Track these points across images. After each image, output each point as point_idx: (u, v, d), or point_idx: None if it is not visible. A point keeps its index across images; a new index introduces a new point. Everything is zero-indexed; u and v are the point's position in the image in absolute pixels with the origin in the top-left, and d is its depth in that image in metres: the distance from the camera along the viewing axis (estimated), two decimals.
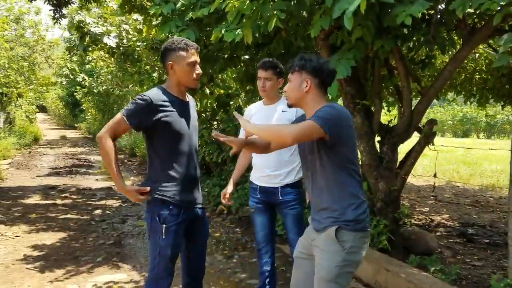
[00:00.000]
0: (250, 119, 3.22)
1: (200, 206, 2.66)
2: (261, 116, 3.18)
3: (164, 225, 2.44)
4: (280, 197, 3.14)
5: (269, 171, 3.15)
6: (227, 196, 3.15)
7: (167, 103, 2.44)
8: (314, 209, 2.34)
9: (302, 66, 2.26)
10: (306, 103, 2.29)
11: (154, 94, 2.44)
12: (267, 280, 3.24)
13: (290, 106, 2.36)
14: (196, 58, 2.49)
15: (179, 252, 2.58)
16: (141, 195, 2.45)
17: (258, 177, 3.24)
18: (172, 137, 2.47)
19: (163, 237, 2.43)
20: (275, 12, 3.13)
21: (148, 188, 2.46)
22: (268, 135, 2.22)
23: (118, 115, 2.41)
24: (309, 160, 2.31)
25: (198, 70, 2.51)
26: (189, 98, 2.67)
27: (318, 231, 2.28)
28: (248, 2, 3.12)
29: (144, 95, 2.41)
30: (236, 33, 3.41)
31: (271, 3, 3.22)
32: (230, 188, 3.18)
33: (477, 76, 6.78)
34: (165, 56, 2.49)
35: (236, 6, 3.17)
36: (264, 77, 3.12)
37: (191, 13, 3.86)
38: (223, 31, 3.49)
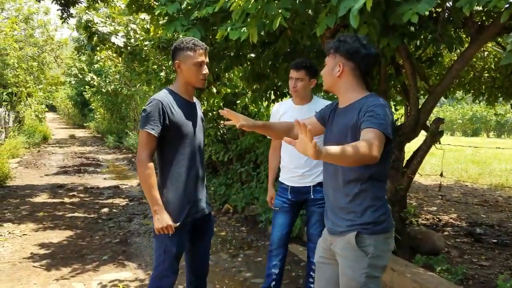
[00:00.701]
0: (279, 119, 3.22)
1: (205, 204, 2.66)
2: (292, 117, 3.12)
3: None
4: (312, 195, 3.17)
5: (303, 171, 3.17)
6: (272, 200, 3.35)
7: (174, 104, 2.46)
8: (330, 207, 2.20)
9: (336, 48, 2.09)
10: (338, 89, 2.15)
11: (162, 96, 2.46)
12: (273, 283, 3.22)
13: (325, 91, 2.30)
14: (203, 58, 2.49)
15: (184, 250, 2.58)
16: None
17: (289, 178, 3.24)
18: (178, 138, 2.48)
19: (169, 235, 2.44)
20: (280, 10, 3.11)
21: (178, 224, 2.46)
22: (351, 160, 1.81)
23: (142, 133, 2.40)
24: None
25: (205, 70, 2.51)
26: (194, 98, 2.68)
27: (334, 234, 2.15)
28: (252, 1, 3.10)
29: (153, 99, 2.43)
30: (242, 31, 3.40)
31: (276, 1, 3.20)
32: (272, 191, 3.38)
33: (486, 75, 6.71)
34: (174, 55, 2.52)
35: (241, 5, 3.15)
36: (296, 77, 3.10)
37: (196, 12, 3.86)
38: (228, 30, 3.48)
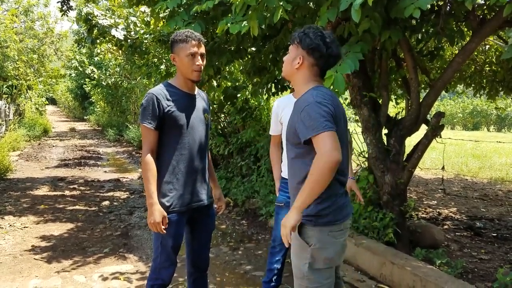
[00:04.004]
0: (281, 112, 3.21)
1: (205, 196, 2.66)
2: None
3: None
4: None
5: None
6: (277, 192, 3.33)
7: (168, 97, 2.47)
8: (291, 203, 2.24)
9: (300, 39, 2.10)
10: (294, 80, 2.17)
11: (156, 89, 2.49)
12: (275, 277, 3.24)
13: (283, 77, 2.31)
14: (196, 49, 2.45)
15: (181, 242, 2.59)
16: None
17: None
18: (174, 129, 2.49)
19: (166, 227, 2.46)
20: (281, 3, 3.10)
21: (171, 215, 2.48)
22: (320, 183, 1.91)
23: (141, 127, 2.47)
24: (290, 154, 2.19)
25: (199, 61, 2.47)
26: (198, 91, 2.69)
27: None
28: None
29: (147, 94, 2.47)
30: (242, 25, 3.39)
31: None
32: (278, 184, 3.32)
33: (487, 68, 6.70)
34: (171, 49, 2.53)
35: None
36: None
37: (196, 6, 3.84)
38: (228, 24, 3.47)
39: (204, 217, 2.70)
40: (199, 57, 2.47)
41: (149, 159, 2.42)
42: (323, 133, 1.91)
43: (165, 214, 2.43)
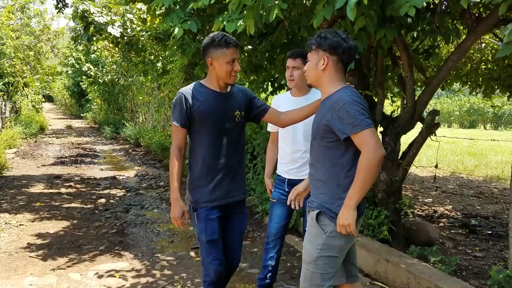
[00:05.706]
0: (279, 109, 3.22)
1: (236, 193, 2.69)
2: (288, 109, 3.14)
3: (196, 212, 2.57)
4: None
5: (299, 164, 3.17)
6: (271, 189, 3.34)
7: (197, 96, 2.54)
8: (311, 193, 2.36)
9: (318, 43, 2.21)
10: (323, 83, 2.26)
11: (186, 88, 2.58)
12: (269, 274, 3.25)
13: (309, 86, 2.37)
14: (235, 55, 2.52)
15: (216, 237, 2.60)
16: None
17: (286, 171, 3.24)
18: (204, 126, 2.55)
19: (197, 223, 2.57)
20: (276, 2, 3.10)
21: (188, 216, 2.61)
22: (370, 177, 2.06)
23: (172, 125, 2.58)
24: (316, 147, 2.30)
25: (237, 66, 2.54)
26: (233, 88, 2.69)
27: (308, 211, 2.36)
28: None
29: (178, 92, 2.57)
30: (238, 24, 3.39)
31: None
32: (268, 182, 3.36)
33: (483, 67, 6.72)
34: (205, 52, 2.55)
35: None
36: (292, 66, 3.08)
37: (192, 3, 3.84)
38: (225, 22, 3.46)
39: (236, 215, 2.74)
40: (236, 62, 2.54)
41: (176, 155, 2.54)
42: (365, 130, 2.05)
43: (186, 209, 2.55)
